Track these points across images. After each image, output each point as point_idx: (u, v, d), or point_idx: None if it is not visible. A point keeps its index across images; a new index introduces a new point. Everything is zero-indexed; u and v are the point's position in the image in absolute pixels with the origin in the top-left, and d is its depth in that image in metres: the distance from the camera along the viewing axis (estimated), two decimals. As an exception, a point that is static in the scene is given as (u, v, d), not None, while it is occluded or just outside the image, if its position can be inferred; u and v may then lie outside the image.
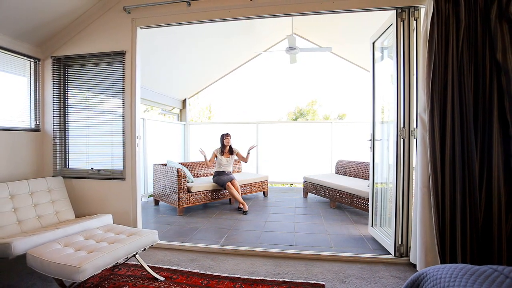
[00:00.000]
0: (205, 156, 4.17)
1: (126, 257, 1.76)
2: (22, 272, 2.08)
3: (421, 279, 1.07)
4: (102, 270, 1.68)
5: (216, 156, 4.30)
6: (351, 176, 4.78)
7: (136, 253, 1.89)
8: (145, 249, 1.92)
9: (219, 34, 4.80)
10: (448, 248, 1.92)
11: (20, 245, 1.71)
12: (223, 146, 4.33)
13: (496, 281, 0.85)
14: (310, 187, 4.79)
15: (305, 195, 5.00)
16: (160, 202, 4.55)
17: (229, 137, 4.31)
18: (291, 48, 4.68)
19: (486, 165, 1.92)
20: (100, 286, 1.90)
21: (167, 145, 5.89)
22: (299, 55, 4.82)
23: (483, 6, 1.94)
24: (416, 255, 2.10)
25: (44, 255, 1.56)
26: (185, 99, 6.91)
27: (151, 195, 4.98)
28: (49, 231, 1.97)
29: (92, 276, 1.95)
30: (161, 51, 4.52)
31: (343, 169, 5.05)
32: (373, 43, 2.89)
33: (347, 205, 3.92)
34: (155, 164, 4.50)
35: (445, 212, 1.93)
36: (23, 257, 1.86)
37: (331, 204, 4.24)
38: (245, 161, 4.42)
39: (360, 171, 4.62)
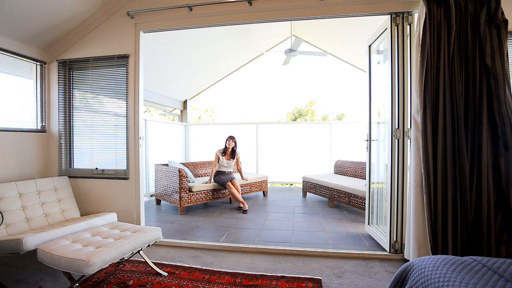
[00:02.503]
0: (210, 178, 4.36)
1: (131, 252, 1.84)
2: (31, 268, 2.16)
3: (409, 269, 1.15)
4: (109, 265, 1.76)
5: (218, 157, 4.37)
6: (349, 176, 4.86)
7: (141, 249, 1.97)
8: (149, 245, 2.01)
9: (220, 36, 4.89)
10: (440, 244, 2.00)
11: (30, 241, 1.79)
12: (225, 147, 4.41)
13: (474, 269, 0.94)
14: (309, 186, 4.87)
15: (304, 195, 5.08)
16: (162, 202, 4.63)
17: (231, 141, 4.37)
18: (291, 50, 4.78)
19: (476, 165, 2.01)
20: (106, 281, 1.98)
21: (168, 145, 5.98)
22: (294, 57, 4.91)
23: (473, 12, 2.03)
24: (410, 251, 2.18)
25: (55, 250, 1.64)
26: (186, 100, 7.00)
27: (152, 195, 5.07)
28: (57, 228, 2.05)
29: (98, 271, 2.05)
30: (162, 53, 4.60)
31: (341, 169, 5.14)
32: (369, 46, 2.98)
33: (345, 204, 4.01)
34: (157, 164, 4.58)
35: (437, 209, 2.01)
36: (31, 254, 1.94)
37: (329, 203, 4.32)
38: (238, 169, 4.66)
39: (358, 171, 4.70)
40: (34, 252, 1.83)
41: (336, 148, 6.16)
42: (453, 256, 1.05)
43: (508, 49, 1.97)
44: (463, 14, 2.03)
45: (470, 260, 1.00)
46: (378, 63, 2.97)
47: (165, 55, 4.73)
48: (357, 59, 5.78)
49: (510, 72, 1.97)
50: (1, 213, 1.63)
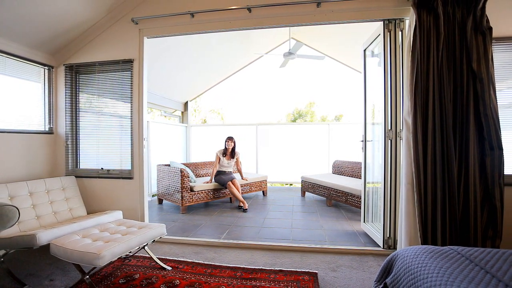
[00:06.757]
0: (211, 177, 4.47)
1: (138, 247, 1.95)
2: (42, 263, 2.28)
3: (394, 258, 1.26)
4: (117, 259, 1.88)
5: (219, 158, 4.49)
6: (347, 176, 4.97)
7: (146, 245, 2.08)
8: (154, 240, 2.12)
9: (220, 39, 5.01)
10: (430, 239, 2.10)
11: (43, 236, 1.90)
12: (225, 148, 4.52)
13: (449, 256, 1.05)
14: (308, 186, 4.98)
15: (303, 194, 5.19)
16: (164, 201, 4.74)
17: (230, 141, 4.49)
18: (290, 53, 4.90)
19: (464, 164, 2.12)
20: (113, 274, 2.09)
21: (170, 146, 6.09)
22: (293, 59, 5.04)
23: (460, 19, 2.14)
24: (401, 246, 2.29)
25: (66, 244, 1.76)
26: (187, 102, 7.12)
27: (154, 195, 5.18)
28: (66, 225, 2.16)
29: (106, 266, 2.16)
30: (164, 55, 4.72)
31: (339, 169, 5.25)
32: (364, 50, 3.10)
33: (342, 203, 4.12)
34: (159, 165, 4.69)
35: (427, 206, 2.12)
36: (41, 250, 2.05)
37: (327, 202, 4.43)
38: (238, 169, 4.76)
39: (355, 170, 4.81)
40: (44, 249, 1.95)
41: (334, 148, 6.28)
42: (432, 246, 1.17)
43: (492, 55, 2.08)
44: (451, 21, 2.15)
45: (447, 249, 1.11)
46: (373, 66, 3.08)
47: (166, 58, 4.85)
48: (355, 61, 5.89)
49: (494, 77, 2.08)
50: (18, 210, 1.74)
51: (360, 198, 3.59)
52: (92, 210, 2.93)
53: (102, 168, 3.02)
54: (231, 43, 5.34)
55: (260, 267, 2.22)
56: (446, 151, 2.11)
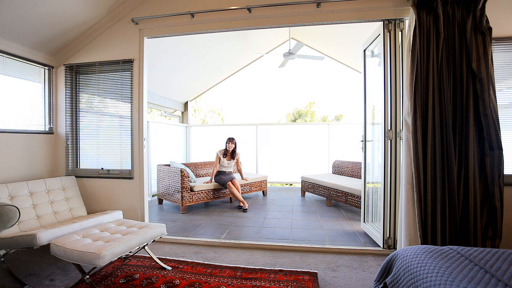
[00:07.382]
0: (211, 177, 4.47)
1: (138, 247, 1.95)
2: (42, 263, 2.28)
3: (394, 258, 1.27)
4: (117, 259, 1.88)
5: (219, 158, 4.49)
6: (347, 176, 4.98)
7: (146, 244, 2.08)
8: (154, 240, 2.12)
9: (220, 39, 5.01)
10: (429, 239, 2.11)
11: (44, 236, 1.90)
12: (226, 149, 4.52)
13: (448, 256, 1.05)
14: (308, 186, 4.98)
15: (303, 194, 5.19)
16: (164, 201, 4.74)
17: (231, 143, 4.48)
18: (290, 53, 4.90)
19: (463, 164, 2.12)
20: (113, 274, 2.10)
21: (170, 146, 6.09)
22: (292, 60, 5.04)
23: (460, 19, 2.15)
24: (401, 246, 2.29)
25: (67, 244, 1.76)
26: (187, 102, 7.12)
27: (154, 195, 5.18)
28: (66, 225, 2.17)
29: (106, 265, 2.16)
30: (164, 55, 4.72)
31: (339, 169, 5.25)
32: (364, 50, 3.10)
33: (342, 203, 4.12)
34: (159, 165, 4.69)
35: (427, 206, 2.12)
36: (41, 250, 2.05)
37: (327, 202, 4.44)
38: (238, 169, 4.76)
39: (355, 170, 4.82)
40: (44, 249, 1.95)
41: (334, 148, 6.28)
42: (431, 246, 1.17)
43: (492, 55, 2.08)
44: (451, 21, 2.15)
45: (447, 249, 1.12)
46: (373, 66, 3.09)
47: (166, 57, 4.85)
48: (355, 61, 5.90)
49: (494, 77, 2.08)
50: (18, 210, 1.74)
51: (360, 198, 3.60)
52: (92, 210, 2.93)
53: (102, 168, 3.02)
54: (231, 43, 5.34)
55: (260, 267, 2.22)
56: (446, 151, 2.12)
